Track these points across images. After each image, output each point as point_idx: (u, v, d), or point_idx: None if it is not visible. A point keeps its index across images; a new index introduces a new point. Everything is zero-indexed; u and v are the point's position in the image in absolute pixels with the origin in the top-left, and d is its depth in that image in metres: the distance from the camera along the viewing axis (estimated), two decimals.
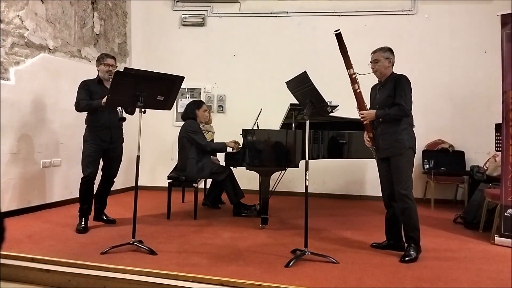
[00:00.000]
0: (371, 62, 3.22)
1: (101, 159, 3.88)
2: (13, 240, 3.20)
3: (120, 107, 3.47)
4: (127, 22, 6.29)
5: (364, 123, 3.23)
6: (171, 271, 2.65)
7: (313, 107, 3.08)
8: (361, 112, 3.21)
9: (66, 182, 4.85)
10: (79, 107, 3.79)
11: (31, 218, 4.14)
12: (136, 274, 2.65)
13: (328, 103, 3.32)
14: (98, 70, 3.89)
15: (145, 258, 2.92)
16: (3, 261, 2.74)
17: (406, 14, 5.84)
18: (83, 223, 3.68)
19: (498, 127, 3.97)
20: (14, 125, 4.21)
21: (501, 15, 3.59)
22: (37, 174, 4.51)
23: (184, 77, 3.27)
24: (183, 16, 6.34)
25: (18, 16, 4.27)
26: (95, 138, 3.78)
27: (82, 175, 3.76)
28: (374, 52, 3.24)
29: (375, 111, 3.17)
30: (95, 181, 3.83)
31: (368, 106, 3.28)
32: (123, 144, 4.02)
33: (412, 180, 3.12)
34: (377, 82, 3.30)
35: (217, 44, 6.29)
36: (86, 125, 3.86)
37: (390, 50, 3.22)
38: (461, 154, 5.53)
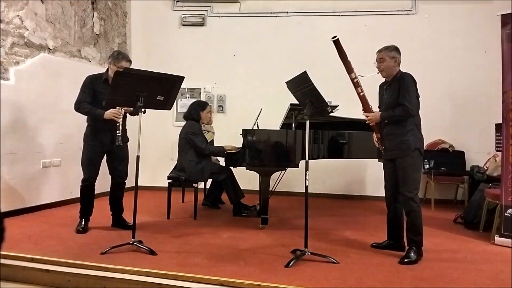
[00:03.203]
0: (376, 61, 3.17)
1: (104, 160, 3.72)
2: (13, 240, 3.20)
3: (119, 131, 3.37)
4: (127, 22, 6.29)
5: (370, 124, 3.21)
6: (171, 271, 2.65)
7: (313, 107, 3.08)
8: (366, 114, 3.19)
9: (66, 182, 4.85)
10: (79, 110, 3.58)
11: (31, 218, 4.14)
12: (135, 274, 2.65)
13: (328, 103, 3.32)
14: (109, 68, 3.61)
15: (145, 258, 2.92)
16: (3, 261, 2.73)
17: (406, 14, 5.84)
18: (82, 223, 3.67)
19: (498, 127, 3.98)
20: (14, 125, 4.21)
21: (501, 15, 3.59)
22: (37, 174, 4.51)
23: (184, 77, 3.27)
24: (183, 16, 6.34)
25: (18, 16, 4.27)
26: (95, 140, 3.62)
27: (82, 177, 3.68)
28: (379, 51, 3.18)
29: (380, 112, 3.16)
30: (95, 183, 3.71)
31: (376, 106, 3.25)
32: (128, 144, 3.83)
33: (419, 183, 3.08)
34: (385, 80, 3.25)
35: (217, 44, 6.28)
36: (87, 124, 3.68)
37: (396, 49, 3.16)
38: (461, 154, 5.53)
